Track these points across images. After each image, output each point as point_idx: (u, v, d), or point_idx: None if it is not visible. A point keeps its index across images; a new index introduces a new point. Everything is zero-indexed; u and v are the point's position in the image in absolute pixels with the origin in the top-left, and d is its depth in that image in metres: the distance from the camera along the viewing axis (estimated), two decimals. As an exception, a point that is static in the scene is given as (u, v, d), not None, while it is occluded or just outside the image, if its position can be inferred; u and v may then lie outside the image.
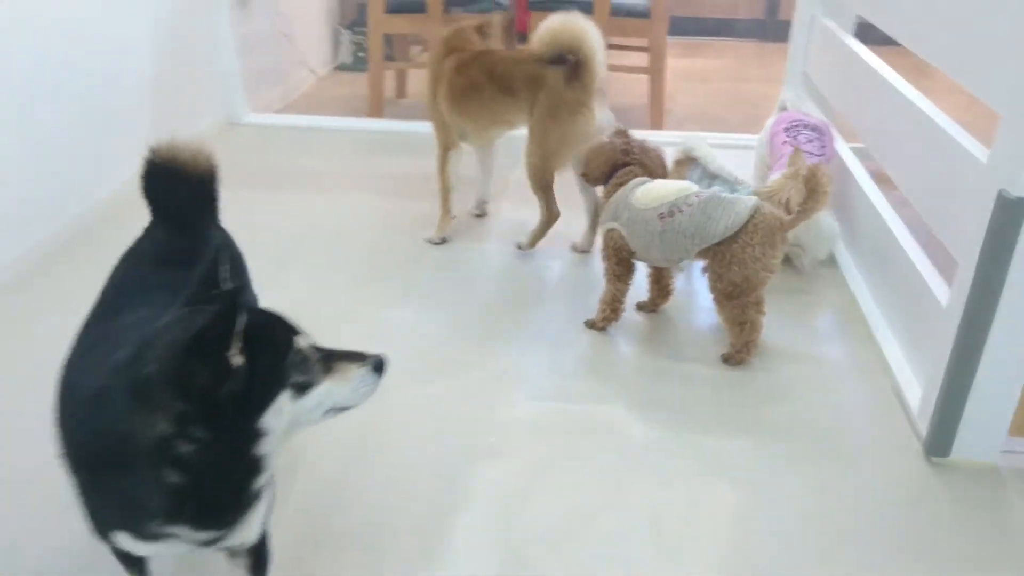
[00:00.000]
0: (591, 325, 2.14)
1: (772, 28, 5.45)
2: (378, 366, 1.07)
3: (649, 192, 1.98)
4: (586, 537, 1.52)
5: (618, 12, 3.60)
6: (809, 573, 1.45)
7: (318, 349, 1.04)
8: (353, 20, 4.82)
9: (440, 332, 2.12)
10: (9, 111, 2.27)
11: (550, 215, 2.46)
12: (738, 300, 1.92)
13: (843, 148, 2.70)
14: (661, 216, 1.93)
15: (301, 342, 1.02)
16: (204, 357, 0.91)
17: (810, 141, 2.52)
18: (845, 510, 1.59)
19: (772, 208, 1.88)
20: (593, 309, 2.14)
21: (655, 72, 3.71)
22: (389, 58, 4.19)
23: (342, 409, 1.07)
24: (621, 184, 2.07)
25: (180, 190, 1.38)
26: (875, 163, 2.33)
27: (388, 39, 4.09)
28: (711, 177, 2.32)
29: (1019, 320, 1.54)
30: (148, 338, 0.97)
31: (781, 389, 1.94)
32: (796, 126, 2.59)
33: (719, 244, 1.88)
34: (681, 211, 1.90)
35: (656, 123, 3.76)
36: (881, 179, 2.37)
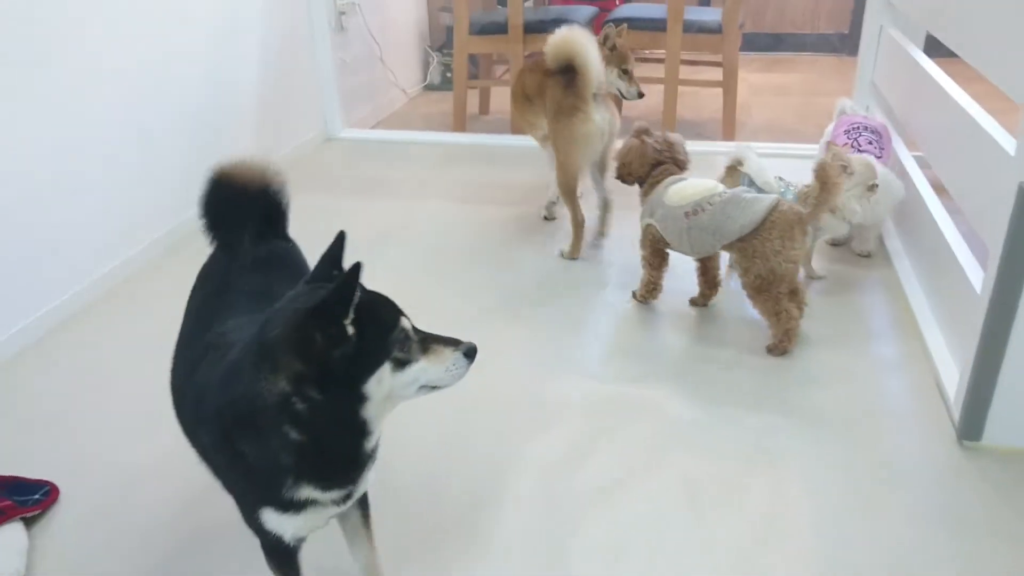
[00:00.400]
0: (635, 296, 2.37)
1: (851, 42, 5.45)
2: (469, 352, 1.16)
3: (680, 191, 2.16)
4: (624, 502, 1.67)
5: (690, 28, 3.74)
6: (836, 542, 1.55)
7: (418, 332, 1.14)
8: (442, 43, 5.12)
9: (497, 318, 2.32)
10: (131, 126, 2.63)
11: (575, 222, 2.67)
12: (767, 292, 2.05)
13: (905, 155, 2.76)
14: (687, 214, 2.12)
15: (405, 323, 1.11)
16: (323, 324, 1.03)
17: (870, 143, 2.60)
18: (876, 487, 1.68)
19: (792, 204, 2.01)
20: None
21: (728, 86, 3.83)
22: (474, 77, 4.45)
23: (434, 388, 1.15)
24: (657, 182, 2.25)
25: (243, 205, 1.47)
26: (933, 172, 2.40)
27: (473, 59, 4.36)
28: (758, 188, 2.44)
29: (1044, 305, 1.61)
30: (274, 311, 1.10)
31: (823, 376, 2.04)
32: (856, 128, 2.67)
33: (741, 240, 2.03)
34: (704, 210, 2.09)
35: (728, 135, 3.86)
36: (939, 189, 2.43)
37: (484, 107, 4.49)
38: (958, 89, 2.18)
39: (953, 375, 1.93)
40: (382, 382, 1.09)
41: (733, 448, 1.81)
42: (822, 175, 1.98)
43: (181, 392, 1.30)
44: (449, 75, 5.01)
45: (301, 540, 1.23)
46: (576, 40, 2.49)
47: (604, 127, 2.59)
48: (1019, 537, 1.55)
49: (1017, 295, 1.61)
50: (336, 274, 1.15)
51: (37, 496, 1.68)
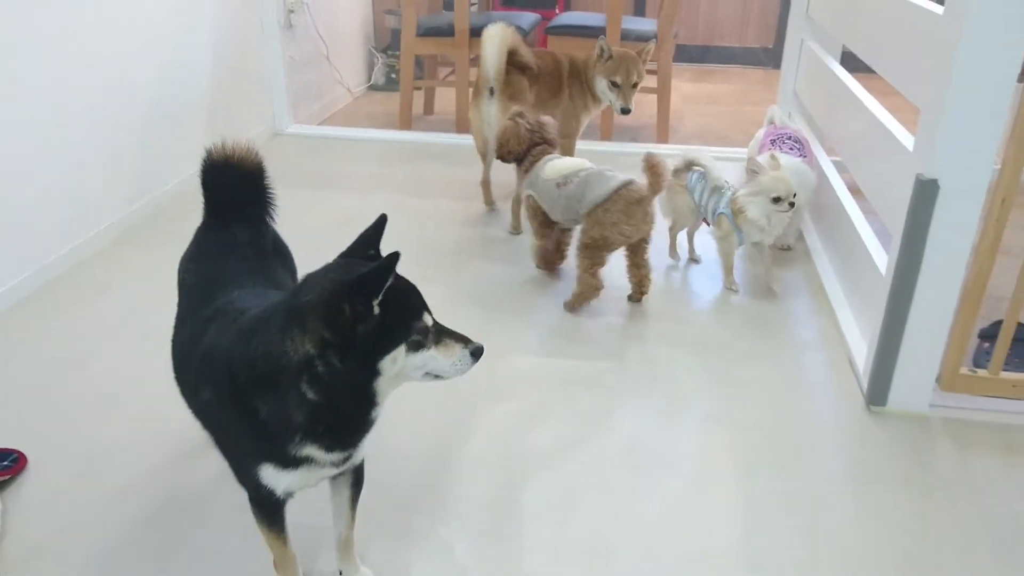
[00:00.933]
0: (537, 263, 2.68)
1: (776, 56, 5.77)
2: (476, 352, 1.24)
3: (555, 167, 2.49)
4: (572, 461, 1.82)
5: (628, 36, 3.94)
6: (760, 493, 1.73)
7: (436, 324, 1.23)
8: (387, 45, 5.22)
9: (451, 304, 2.45)
10: (93, 116, 2.67)
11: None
12: (591, 254, 2.37)
13: (824, 160, 2.99)
14: (558, 185, 2.44)
15: (426, 316, 1.20)
16: (353, 299, 1.11)
17: (791, 149, 2.84)
18: (795, 447, 1.87)
19: (638, 185, 2.32)
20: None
21: (662, 92, 4.04)
22: (419, 78, 4.57)
23: (437, 376, 1.23)
24: (537, 160, 2.57)
25: (236, 183, 1.58)
26: (850, 175, 2.63)
27: (418, 61, 4.48)
28: (713, 186, 2.62)
29: (938, 283, 1.83)
30: (309, 278, 1.18)
31: (751, 355, 2.24)
32: (780, 138, 2.91)
33: (593, 209, 2.34)
34: (571, 182, 2.41)
35: (662, 138, 4.08)
36: (855, 191, 2.66)
37: (429, 107, 4.62)
38: (869, 97, 2.42)
39: (862, 350, 2.15)
40: (396, 361, 1.18)
41: (669, 416, 1.98)
42: (649, 165, 2.28)
43: (185, 354, 1.37)
44: (394, 76, 5.11)
45: (289, 495, 1.31)
46: (485, 35, 2.85)
47: (490, 120, 2.93)
48: (918, 483, 1.76)
49: (915, 274, 1.83)
50: (372, 254, 1.25)
51: (6, 463, 1.73)
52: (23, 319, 2.33)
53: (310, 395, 1.16)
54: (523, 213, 2.78)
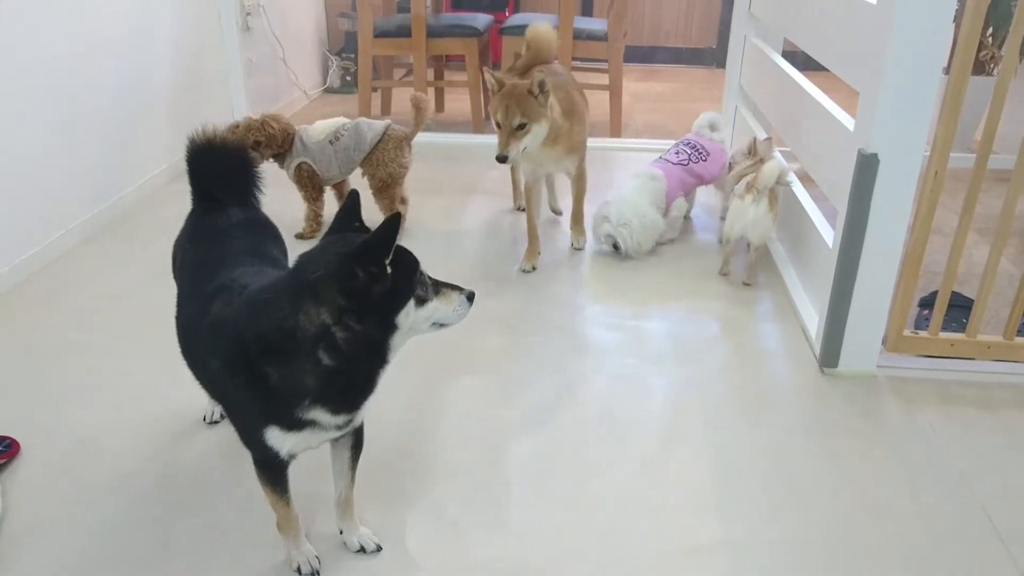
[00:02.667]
0: (311, 230, 2.93)
1: (720, 55, 6.00)
2: (470, 296, 1.35)
3: (318, 128, 2.81)
4: (547, 429, 1.92)
5: (580, 36, 4.09)
6: (723, 447, 1.86)
7: (430, 277, 1.31)
8: (341, 47, 5.28)
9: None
10: (54, 119, 2.70)
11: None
12: (388, 192, 2.80)
13: (777, 152, 3.16)
14: (331, 142, 2.77)
15: (422, 268, 1.28)
16: (366, 262, 1.18)
17: (678, 153, 3.03)
18: (755, 406, 2.01)
19: (399, 127, 2.82)
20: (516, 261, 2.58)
21: (614, 87, 4.20)
22: (375, 79, 4.64)
23: (442, 325, 1.33)
24: (288, 149, 2.83)
25: (221, 165, 1.65)
26: (801, 166, 2.80)
27: (374, 62, 4.55)
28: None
29: (881, 251, 1.99)
30: (307, 257, 1.25)
31: (714, 327, 2.38)
32: (681, 142, 3.11)
33: (370, 155, 2.76)
34: (342, 136, 2.78)
35: (615, 132, 4.23)
36: (805, 180, 2.83)
37: (386, 108, 4.69)
38: (811, 85, 2.59)
39: (814, 320, 2.30)
40: (408, 315, 1.27)
41: (639, 382, 2.10)
42: (415, 102, 2.75)
43: (191, 329, 1.43)
44: (348, 78, 5.18)
45: (292, 457, 1.38)
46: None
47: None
48: (867, 433, 1.91)
49: (860, 243, 1.99)
50: (358, 226, 1.32)
51: (0, 448, 1.77)
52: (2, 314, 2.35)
53: (326, 361, 1.23)
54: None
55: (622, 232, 2.74)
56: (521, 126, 2.36)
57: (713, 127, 3.17)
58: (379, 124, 2.80)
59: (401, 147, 2.79)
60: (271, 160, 2.84)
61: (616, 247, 2.77)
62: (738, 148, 2.98)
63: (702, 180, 3.03)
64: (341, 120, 2.83)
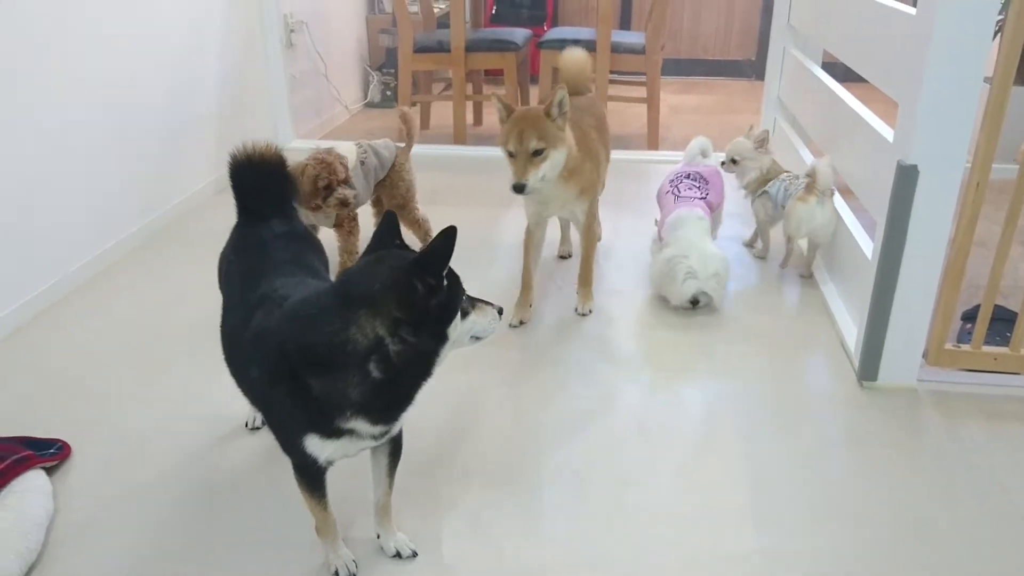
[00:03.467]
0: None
1: (759, 67, 5.97)
2: (500, 311, 1.40)
3: (347, 150, 2.72)
4: (585, 434, 1.93)
5: (618, 49, 4.11)
6: (760, 458, 1.85)
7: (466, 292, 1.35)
8: (381, 63, 5.37)
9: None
10: (116, 129, 2.80)
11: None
12: (406, 208, 2.83)
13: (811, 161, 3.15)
14: (362, 162, 2.71)
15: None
16: (425, 276, 1.22)
17: (690, 188, 2.81)
18: (793, 419, 2.00)
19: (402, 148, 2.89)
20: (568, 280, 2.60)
21: (651, 101, 4.21)
22: (415, 93, 4.71)
23: (478, 339, 1.37)
24: (332, 192, 2.59)
25: (261, 179, 1.68)
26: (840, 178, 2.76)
27: (413, 77, 4.62)
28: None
29: (921, 262, 1.97)
30: (355, 272, 1.28)
31: (751, 339, 2.37)
32: (679, 176, 2.86)
33: (387, 175, 2.80)
34: (365, 159, 2.75)
35: (652, 145, 4.24)
36: (845, 193, 2.80)
37: (425, 121, 4.75)
38: (850, 96, 2.57)
39: (853, 333, 2.28)
40: (456, 327, 1.31)
41: (676, 391, 2.10)
42: (403, 120, 2.85)
43: (234, 337, 1.47)
44: (388, 93, 5.26)
45: (330, 463, 1.41)
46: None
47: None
48: (907, 447, 1.89)
49: (900, 255, 1.97)
50: (399, 244, 1.36)
51: (51, 451, 1.83)
52: (49, 324, 2.43)
53: (375, 374, 1.24)
54: None
55: (711, 284, 2.47)
56: (538, 152, 2.13)
57: (705, 154, 3.03)
58: (389, 143, 2.85)
59: (407, 167, 2.86)
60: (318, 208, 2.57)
61: (694, 302, 2.50)
62: (739, 144, 2.89)
63: (712, 209, 2.84)
64: (348, 144, 2.73)
